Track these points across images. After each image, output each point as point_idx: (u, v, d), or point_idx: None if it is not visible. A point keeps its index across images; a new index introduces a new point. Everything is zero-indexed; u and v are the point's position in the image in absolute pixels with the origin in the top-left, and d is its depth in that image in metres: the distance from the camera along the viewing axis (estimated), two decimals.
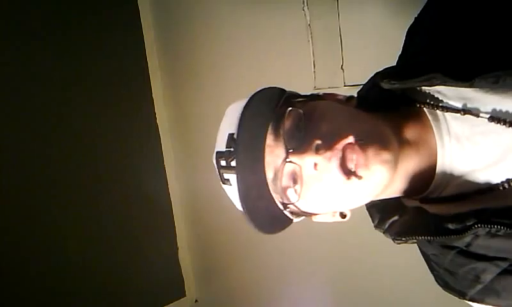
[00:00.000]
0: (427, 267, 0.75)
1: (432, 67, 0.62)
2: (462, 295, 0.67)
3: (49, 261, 1.93)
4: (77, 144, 2.02)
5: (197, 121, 2.20)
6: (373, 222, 0.74)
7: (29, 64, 1.87)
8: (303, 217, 0.71)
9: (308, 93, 0.71)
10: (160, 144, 2.32)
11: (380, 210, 0.73)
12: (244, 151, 0.62)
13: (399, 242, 0.69)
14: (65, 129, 1.99)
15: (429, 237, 0.64)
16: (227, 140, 0.65)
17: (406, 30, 0.79)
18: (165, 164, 2.34)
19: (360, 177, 0.60)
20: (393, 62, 0.79)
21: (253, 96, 0.65)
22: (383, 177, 0.62)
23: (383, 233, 0.72)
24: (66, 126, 1.99)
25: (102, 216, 2.09)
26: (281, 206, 0.66)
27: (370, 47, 1.51)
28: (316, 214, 0.70)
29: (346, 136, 0.60)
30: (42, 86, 1.92)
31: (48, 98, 1.93)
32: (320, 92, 0.73)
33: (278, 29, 1.78)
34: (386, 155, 0.61)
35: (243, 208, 0.63)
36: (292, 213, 0.68)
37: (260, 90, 0.66)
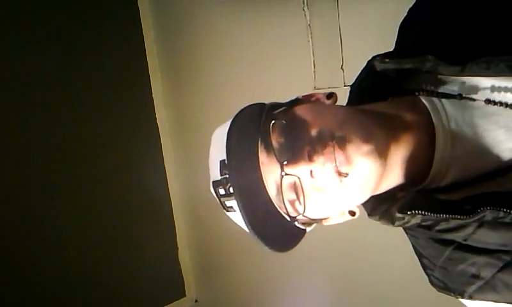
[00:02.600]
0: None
1: (425, 50, 0.62)
2: (460, 293, 0.65)
3: (49, 261, 1.93)
4: (77, 145, 2.02)
5: (197, 121, 2.20)
6: (366, 210, 0.71)
7: (29, 65, 1.87)
8: (315, 225, 0.70)
9: (288, 100, 0.71)
10: (160, 144, 2.32)
11: (372, 200, 0.69)
12: (239, 174, 0.61)
13: (399, 221, 0.64)
14: (65, 129, 1.99)
15: (435, 215, 0.61)
16: (220, 167, 0.64)
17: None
18: (165, 164, 2.34)
19: (345, 174, 0.60)
20: None
21: (234, 119, 0.64)
22: (371, 169, 0.61)
23: (379, 219, 0.68)
24: (66, 126, 1.99)
25: (102, 216, 2.09)
26: (290, 220, 0.65)
27: (370, 47, 1.50)
28: (326, 218, 0.70)
29: (332, 136, 0.60)
30: (42, 86, 1.92)
31: (48, 98, 1.93)
32: (300, 95, 0.72)
33: (278, 29, 1.78)
34: (366, 147, 0.60)
35: (254, 234, 0.62)
36: (303, 223, 0.67)
37: (240, 111, 0.65)
